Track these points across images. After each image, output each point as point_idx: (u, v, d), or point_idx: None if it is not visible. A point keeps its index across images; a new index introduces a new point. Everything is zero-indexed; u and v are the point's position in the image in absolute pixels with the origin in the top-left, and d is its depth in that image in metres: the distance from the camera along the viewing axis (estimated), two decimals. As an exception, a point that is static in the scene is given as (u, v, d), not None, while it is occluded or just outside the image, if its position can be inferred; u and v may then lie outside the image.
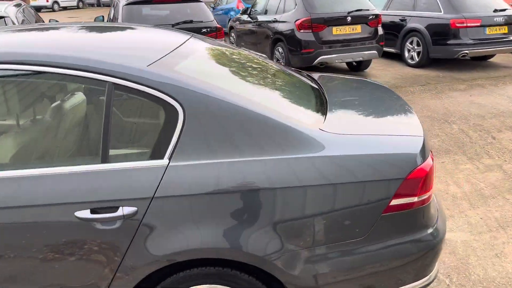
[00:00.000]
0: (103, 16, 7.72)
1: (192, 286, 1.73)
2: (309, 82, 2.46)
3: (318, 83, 2.48)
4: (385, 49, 8.94)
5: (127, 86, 1.66)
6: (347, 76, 2.85)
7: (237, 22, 9.45)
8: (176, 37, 2.28)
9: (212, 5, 14.46)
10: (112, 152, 1.66)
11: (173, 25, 5.97)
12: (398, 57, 9.08)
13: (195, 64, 1.93)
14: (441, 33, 7.73)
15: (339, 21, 7.06)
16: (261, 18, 8.19)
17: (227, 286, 1.73)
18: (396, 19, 8.63)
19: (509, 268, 2.66)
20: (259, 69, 2.34)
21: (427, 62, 8.11)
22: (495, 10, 7.75)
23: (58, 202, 1.61)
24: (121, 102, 1.69)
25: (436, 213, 1.96)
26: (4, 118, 1.87)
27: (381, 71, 8.14)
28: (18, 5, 6.27)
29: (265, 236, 1.65)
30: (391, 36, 8.75)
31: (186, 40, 2.28)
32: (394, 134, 1.81)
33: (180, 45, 2.11)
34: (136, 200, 1.61)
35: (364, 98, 2.28)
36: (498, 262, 2.71)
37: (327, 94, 2.26)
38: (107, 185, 1.62)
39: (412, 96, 6.45)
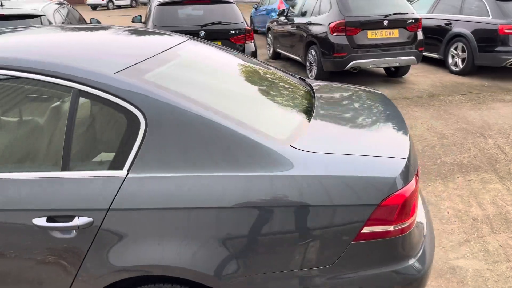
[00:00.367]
0: (141, 16, 7.89)
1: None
2: (302, 91, 2.32)
3: (313, 93, 2.34)
4: (428, 54, 8.52)
5: (91, 93, 1.62)
6: (352, 86, 2.68)
7: (274, 23, 9.34)
8: (167, 41, 2.23)
9: (255, 6, 14.43)
10: (73, 160, 1.62)
11: (201, 26, 5.97)
12: (441, 64, 8.61)
13: (172, 72, 1.86)
14: (488, 39, 7.23)
15: (375, 24, 6.78)
16: (297, 20, 8.04)
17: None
18: (441, 23, 8.18)
19: (522, 306, 2.39)
20: (246, 76, 2.24)
21: (471, 69, 7.62)
22: (551, 16, 7.14)
23: (18, 208, 1.60)
24: (85, 109, 1.65)
25: (421, 240, 1.78)
26: None
27: (420, 78, 7.75)
28: (58, 4, 6.51)
29: (220, 257, 1.55)
30: (434, 41, 8.32)
31: (176, 45, 2.23)
32: (373, 154, 1.65)
33: (165, 50, 2.05)
34: (92, 211, 1.57)
35: (357, 112, 2.12)
36: (510, 297, 2.45)
37: (316, 106, 2.12)
38: (65, 194, 1.59)
39: (449, 106, 6.07)
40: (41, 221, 1.58)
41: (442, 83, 7.35)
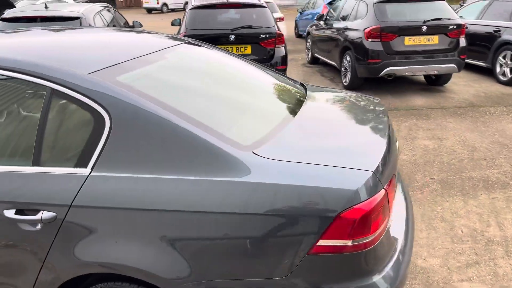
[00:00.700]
0: (180, 19, 8.10)
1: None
2: (291, 97, 2.28)
3: (301, 97, 2.30)
4: (475, 62, 8.08)
5: (64, 92, 1.68)
6: (350, 94, 2.59)
7: (314, 27, 9.25)
8: (158, 43, 2.27)
9: (300, 10, 14.37)
10: (44, 156, 1.69)
11: (231, 30, 6.03)
12: (488, 73, 8.13)
13: (151, 74, 1.89)
14: (539, 48, 6.73)
15: (413, 30, 6.52)
16: (334, 24, 7.92)
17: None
18: (489, 30, 7.73)
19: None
20: (233, 81, 2.23)
21: (520, 79, 7.13)
22: None
23: None
24: (58, 108, 1.72)
25: (389, 255, 1.68)
26: None
27: (463, 87, 7.35)
28: (101, 8, 6.83)
29: (172, 260, 1.55)
30: (482, 49, 7.87)
31: (168, 47, 2.26)
32: (337, 165, 1.58)
33: (152, 52, 2.09)
34: (55, 206, 1.63)
35: (339, 121, 2.05)
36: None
37: (300, 112, 2.07)
38: (33, 188, 1.66)
39: (489, 117, 5.71)
40: (10, 213, 1.66)
41: (486, 93, 6.93)
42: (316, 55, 9.21)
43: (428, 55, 6.60)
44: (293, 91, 2.41)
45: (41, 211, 1.64)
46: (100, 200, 1.58)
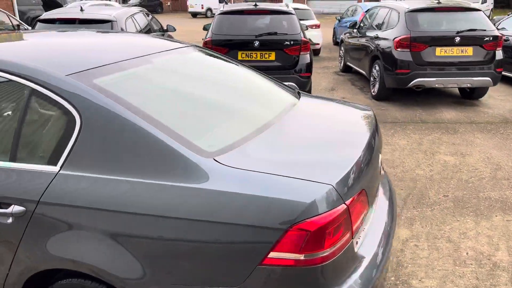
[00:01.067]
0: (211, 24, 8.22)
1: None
2: (277, 105, 2.26)
3: (288, 106, 2.28)
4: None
5: (42, 92, 1.76)
6: (343, 103, 2.54)
7: (347, 35, 9.12)
8: (149, 47, 2.31)
9: (339, 17, 14.21)
10: (20, 152, 1.77)
11: (256, 36, 6.06)
12: (530, 87, 7.69)
13: (131, 78, 1.93)
14: None
15: (445, 41, 6.29)
16: (367, 33, 7.77)
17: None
18: (533, 43, 7.32)
19: None
20: (218, 86, 2.24)
21: None
22: None
23: None
24: (36, 106, 1.79)
25: (349, 271, 1.62)
26: None
27: (500, 101, 7.00)
28: (135, 11, 7.06)
29: (126, 262, 1.58)
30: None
31: (158, 52, 2.30)
32: (296, 176, 1.56)
33: (138, 56, 2.13)
34: (25, 201, 1.70)
35: (319, 130, 2.02)
36: None
37: (282, 120, 2.06)
38: (8, 182, 1.74)
39: (522, 135, 5.40)
40: None
41: (523, 109, 6.56)
42: (348, 63, 9.07)
43: (460, 67, 6.34)
44: (282, 99, 2.39)
45: (13, 205, 1.71)
46: (65, 198, 1.63)
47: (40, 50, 2.01)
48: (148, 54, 2.22)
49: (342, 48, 9.54)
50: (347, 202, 1.59)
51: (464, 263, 2.88)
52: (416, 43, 6.32)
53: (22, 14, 13.80)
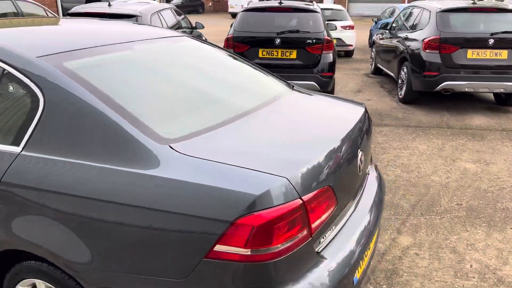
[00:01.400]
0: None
1: (25, 278, 1.75)
2: (259, 95, 2.19)
3: (273, 98, 2.20)
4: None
5: (12, 73, 1.77)
6: (336, 98, 2.42)
7: (379, 36, 8.86)
8: (134, 34, 2.30)
9: (376, 19, 13.85)
10: None
11: (277, 34, 5.98)
12: None
13: (104, 63, 1.91)
14: None
15: (478, 43, 5.96)
16: (397, 34, 7.51)
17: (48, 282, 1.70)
18: None
19: None
20: (200, 75, 2.19)
21: None
22: None
23: None
24: (6, 87, 1.79)
25: (306, 269, 1.53)
26: None
27: (538, 110, 6.55)
28: (161, 8, 7.16)
29: (79, 246, 1.55)
30: None
31: (146, 39, 2.28)
32: (250, 167, 1.48)
33: (120, 43, 2.12)
34: None
35: (296, 123, 1.94)
36: None
37: (259, 110, 1.99)
38: None
39: (556, 145, 5.02)
40: None
41: None
42: (378, 65, 8.81)
43: (494, 71, 5.99)
44: (269, 90, 2.31)
45: None
46: (23, 179, 1.63)
47: (21, 33, 2.04)
48: (132, 41, 2.20)
49: (374, 50, 9.28)
50: (304, 197, 1.50)
51: (466, 275, 2.69)
52: (446, 44, 6.03)
53: (65, 11, 14.38)
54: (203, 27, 8.43)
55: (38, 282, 1.74)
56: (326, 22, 7.93)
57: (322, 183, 1.60)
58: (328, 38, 6.07)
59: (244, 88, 2.29)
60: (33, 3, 8.04)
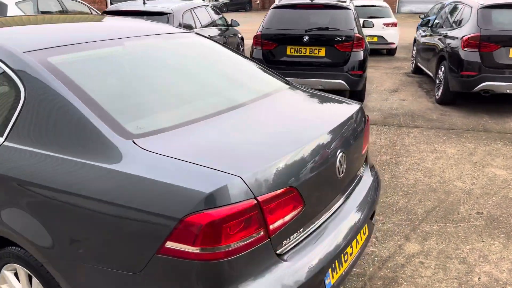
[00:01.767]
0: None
1: (8, 263, 1.84)
2: (248, 92, 2.16)
3: (263, 95, 2.17)
4: None
5: (0, 67, 1.86)
6: (333, 97, 2.34)
7: (421, 33, 8.49)
8: (127, 30, 2.34)
9: (422, 16, 13.29)
10: None
11: (306, 31, 5.88)
12: None
13: (89, 59, 1.96)
14: None
15: (522, 41, 5.55)
16: (437, 31, 7.16)
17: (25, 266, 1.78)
18: None
19: None
20: (194, 71, 2.20)
21: None
22: None
23: None
24: None
25: (261, 271, 1.50)
26: None
27: None
28: (196, 5, 7.27)
29: (45, 234, 1.61)
30: None
31: (147, 35, 2.32)
32: (206, 165, 1.46)
33: (110, 39, 2.15)
34: None
35: (275, 119, 1.90)
36: None
37: (242, 107, 1.97)
38: None
39: None
40: None
41: None
42: (418, 64, 8.45)
43: (539, 71, 5.56)
44: (260, 87, 2.28)
45: None
46: (2, 168, 1.72)
47: (16, 30, 2.13)
48: (124, 37, 2.24)
49: (415, 48, 8.91)
50: (260, 197, 1.46)
51: (472, 289, 2.52)
52: (486, 42, 5.67)
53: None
54: (238, 25, 8.48)
55: (18, 267, 1.82)
56: (363, 20, 7.73)
57: (284, 184, 1.56)
58: (359, 35, 5.90)
59: (235, 85, 2.27)
60: (79, 2, 8.44)
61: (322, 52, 5.93)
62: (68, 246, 1.58)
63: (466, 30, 5.93)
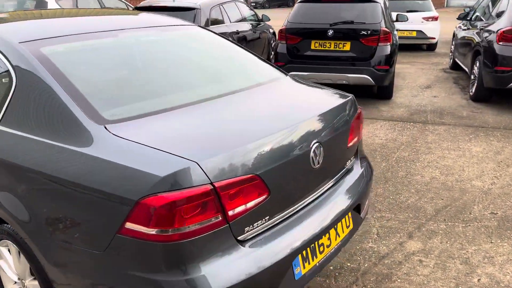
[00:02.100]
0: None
1: (2, 239, 1.98)
2: (238, 82, 2.20)
3: (253, 85, 2.21)
4: None
5: None
6: (330, 90, 2.33)
7: (459, 28, 8.13)
8: (130, 22, 2.43)
9: (467, 9, 12.67)
10: None
11: (330, 25, 5.81)
12: None
13: (80, 49, 2.06)
14: None
15: None
16: (475, 25, 6.84)
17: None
18: None
19: None
20: (183, 61, 2.27)
21: None
22: None
23: None
24: None
25: (217, 255, 1.53)
26: None
27: None
28: (226, 0, 7.35)
29: (23, 211, 1.73)
30: None
31: (145, 27, 2.41)
32: (167, 150, 1.52)
33: (105, 31, 2.24)
34: None
35: (254, 109, 1.93)
36: None
37: (233, 95, 2.02)
38: None
39: None
40: None
41: None
42: (456, 59, 8.10)
43: None
44: (251, 78, 2.31)
45: None
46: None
47: (18, 23, 2.26)
48: (120, 29, 2.33)
49: (453, 43, 8.54)
50: (217, 183, 1.49)
51: (469, 290, 2.43)
52: (523, 36, 5.35)
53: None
54: (269, 20, 8.49)
55: (9, 243, 1.97)
56: (396, 13, 7.51)
57: (246, 171, 1.58)
58: (386, 29, 5.75)
59: (224, 76, 2.31)
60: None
61: (347, 47, 5.84)
62: (42, 223, 1.68)
63: (503, 23, 5.63)
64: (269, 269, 1.62)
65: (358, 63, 5.82)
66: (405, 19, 7.48)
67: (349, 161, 2.26)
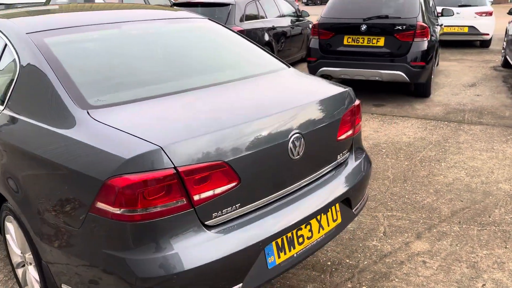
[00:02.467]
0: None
1: (7, 215, 2.15)
2: (234, 73, 2.24)
3: (253, 75, 2.26)
4: None
5: (8, 45, 2.16)
6: (330, 83, 2.30)
7: (511, 23, 7.63)
8: (136, 15, 2.53)
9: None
10: None
11: (364, 20, 5.66)
12: None
13: (81, 39, 2.18)
14: None
15: None
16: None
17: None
18: None
19: None
20: (184, 53, 2.33)
21: None
22: None
23: None
24: (5, 56, 2.19)
25: (180, 236, 1.58)
26: None
27: None
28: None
29: (16, 188, 1.88)
30: None
31: (151, 19, 2.50)
32: (135, 134, 1.58)
33: (109, 23, 2.34)
34: None
35: (241, 99, 1.97)
36: None
37: (225, 85, 2.09)
38: None
39: None
40: None
41: None
42: (507, 56, 7.61)
43: None
44: (247, 69, 2.34)
45: None
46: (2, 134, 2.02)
47: (31, 15, 2.42)
48: (126, 21, 2.43)
49: (505, 39, 8.03)
50: (181, 168, 1.54)
51: (470, 295, 2.31)
52: None
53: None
54: (308, 15, 8.42)
55: (11, 218, 2.13)
56: (441, 8, 7.18)
57: (213, 157, 1.61)
58: (423, 24, 5.53)
59: (220, 66, 2.35)
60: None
61: (381, 42, 5.67)
62: (28, 199, 1.82)
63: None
64: (235, 255, 1.65)
65: (392, 59, 5.64)
66: (451, 14, 7.16)
67: (341, 154, 2.22)
